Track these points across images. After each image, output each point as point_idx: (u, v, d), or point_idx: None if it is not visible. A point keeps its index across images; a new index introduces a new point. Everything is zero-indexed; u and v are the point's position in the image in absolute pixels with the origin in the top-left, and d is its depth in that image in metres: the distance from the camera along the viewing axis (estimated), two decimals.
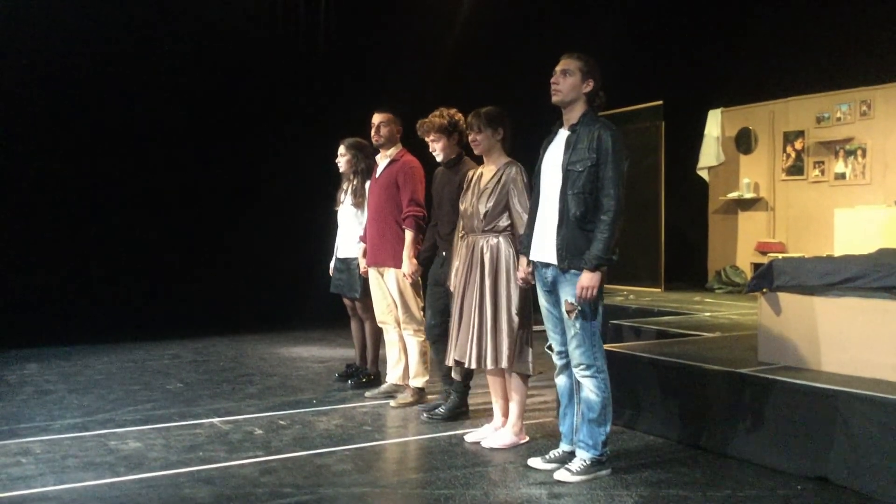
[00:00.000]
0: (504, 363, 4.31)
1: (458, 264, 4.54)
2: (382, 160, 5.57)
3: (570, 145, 3.81)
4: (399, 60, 9.32)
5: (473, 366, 4.40)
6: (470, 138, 4.51)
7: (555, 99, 3.90)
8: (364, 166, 5.91)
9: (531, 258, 4.02)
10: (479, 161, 4.75)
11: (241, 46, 9.11)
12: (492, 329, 4.32)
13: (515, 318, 4.32)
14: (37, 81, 8.10)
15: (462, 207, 4.54)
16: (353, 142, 6.01)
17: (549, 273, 3.91)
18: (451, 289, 4.63)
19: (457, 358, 4.47)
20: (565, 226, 3.79)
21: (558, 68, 3.89)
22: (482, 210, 4.37)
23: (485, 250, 4.38)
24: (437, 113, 5.03)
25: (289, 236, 8.97)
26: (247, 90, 9.16)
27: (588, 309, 3.78)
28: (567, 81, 3.85)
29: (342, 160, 6.02)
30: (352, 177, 5.99)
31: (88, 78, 8.31)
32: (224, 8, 9.04)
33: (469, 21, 9.99)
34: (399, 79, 8.83)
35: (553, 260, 3.85)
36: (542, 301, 4.03)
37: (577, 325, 3.80)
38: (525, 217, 4.20)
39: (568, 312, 3.80)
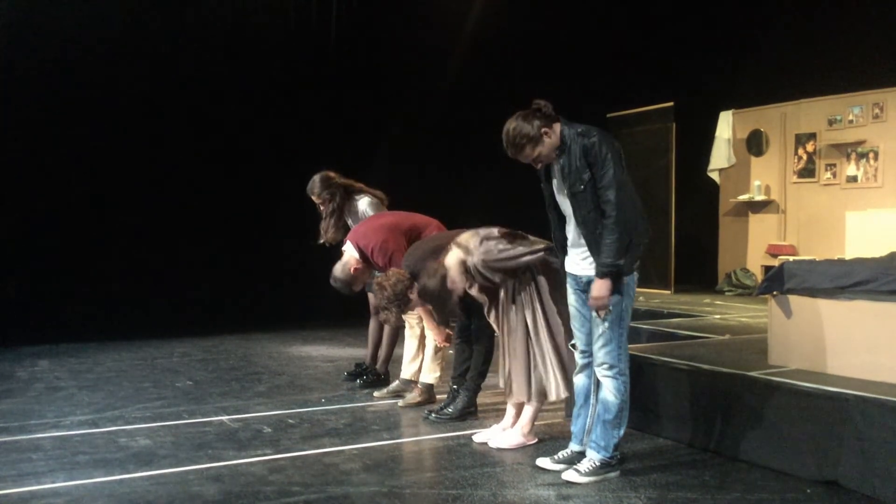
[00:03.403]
0: (550, 398, 4.40)
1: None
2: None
3: (564, 170, 3.77)
4: (409, 63, 9.35)
5: (520, 399, 4.45)
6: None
7: (547, 163, 3.84)
8: (339, 200, 5.90)
9: (568, 270, 3.99)
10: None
11: (251, 46, 9.13)
12: (527, 362, 4.38)
13: (548, 347, 4.36)
14: (42, 81, 8.13)
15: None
16: (315, 188, 5.94)
17: (584, 274, 3.91)
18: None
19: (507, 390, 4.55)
20: (594, 245, 3.74)
21: (525, 160, 3.80)
22: None
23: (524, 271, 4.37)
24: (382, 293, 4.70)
25: (298, 235, 8.94)
26: (257, 89, 9.17)
27: (618, 308, 3.76)
28: (542, 156, 3.77)
29: (321, 207, 5.97)
30: (337, 213, 5.94)
31: (98, 77, 8.33)
32: (233, 6, 9.06)
33: (479, 24, 9.98)
34: (410, 81, 8.85)
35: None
36: (572, 299, 4.00)
37: (606, 324, 3.79)
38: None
39: (598, 311, 3.79)
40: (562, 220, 3.97)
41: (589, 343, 3.94)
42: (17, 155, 8.04)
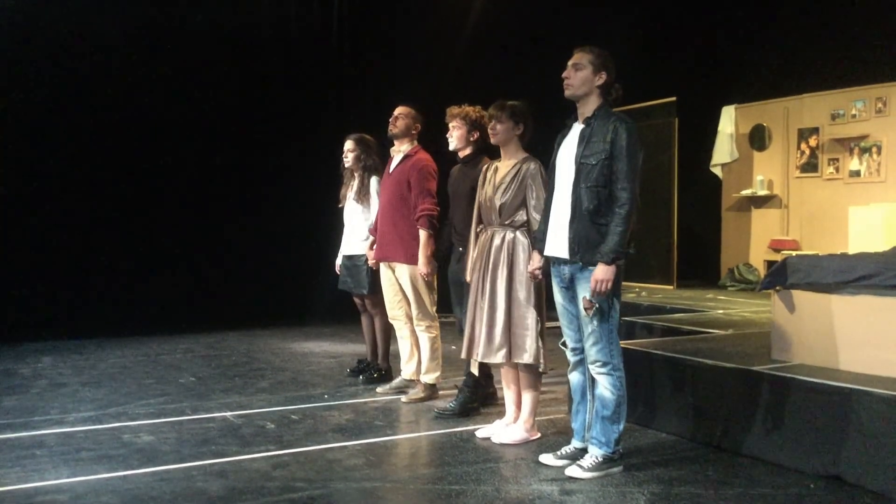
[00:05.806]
0: (523, 358, 4.31)
1: (474, 257, 4.53)
2: (396, 155, 5.55)
3: (584, 139, 3.81)
4: (407, 59, 9.33)
5: (488, 359, 4.40)
6: (489, 126, 4.49)
7: (567, 93, 3.89)
8: (370, 162, 5.91)
9: (546, 254, 4.01)
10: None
11: (248, 44, 9.11)
12: (505, 323, 4.32)
13: (529, 313, 4.31)
14: (44, 81, 8.13)
15: (479, 201, 4.55)
16: (359, 137, 6.02)
17: (567, 270, 3.90)
18: (468, 281, 4.62)
19: (471, 352, 4.47)
20: (577, 220, 3.78)
21: (570, 62, 3.89)
22: (498, 204, 4.37)
23: (500, 244, 4.38)
24: (471, 106, 5.07)
25: (300, 231, 8.98)
26: (257, 88, 9.15)
27: (605, 305, 3.77)
28: (578, 75, 3.85)
29: (349, 155, 6.00)
30: (357, 172, 5.98)
31: (98, 76, 8.32)
32: (231, 3, 9.05)
33: (482, 18, 9.96)
34: (407, 77, 8.83)
35: (565, 254, 3.83)
36: (558, 297, 4.01)
37: (595, 322, 3.78)
38: (539, 214, 4.20)
39: (586, 310, 3.78)
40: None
41: (579, 340, 3.94)
42: (18, 153, 8.04)
